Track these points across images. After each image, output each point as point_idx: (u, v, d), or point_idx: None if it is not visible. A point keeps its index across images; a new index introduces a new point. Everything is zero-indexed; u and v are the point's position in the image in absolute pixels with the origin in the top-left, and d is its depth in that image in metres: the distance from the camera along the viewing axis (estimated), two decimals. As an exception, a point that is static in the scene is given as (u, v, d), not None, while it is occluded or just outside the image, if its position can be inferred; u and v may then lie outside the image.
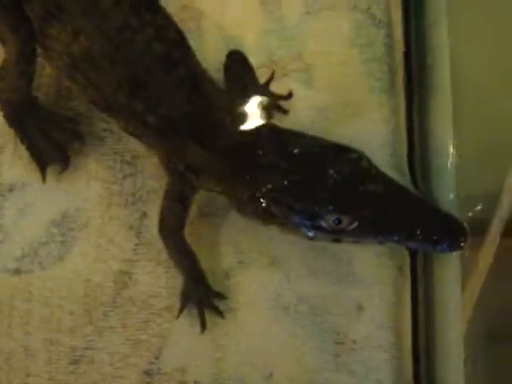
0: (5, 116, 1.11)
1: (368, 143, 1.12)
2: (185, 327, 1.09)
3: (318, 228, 0.90)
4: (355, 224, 0.89)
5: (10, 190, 1.14)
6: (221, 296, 1.08)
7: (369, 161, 0.93)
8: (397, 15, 1.23)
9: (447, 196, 1.09)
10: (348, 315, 1.11)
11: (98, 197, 1.13)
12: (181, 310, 1.08)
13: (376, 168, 0.93)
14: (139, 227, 1.12)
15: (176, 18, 1.04)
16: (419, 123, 1.19)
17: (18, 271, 1.11)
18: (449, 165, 1.09)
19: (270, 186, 0.92)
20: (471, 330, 1.07)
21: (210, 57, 1.12)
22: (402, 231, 0.90)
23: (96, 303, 1.10)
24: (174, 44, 1.01)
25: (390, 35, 1.20)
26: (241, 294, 1.10)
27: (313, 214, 0.90)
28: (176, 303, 1.09)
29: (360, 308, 1.11)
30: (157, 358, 1.08)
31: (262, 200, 0.93)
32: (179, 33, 1.03)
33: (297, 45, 1.20)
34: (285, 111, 1.17)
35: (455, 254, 1.05)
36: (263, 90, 1.16)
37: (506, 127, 1.06)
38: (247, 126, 1.02)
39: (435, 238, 0.90)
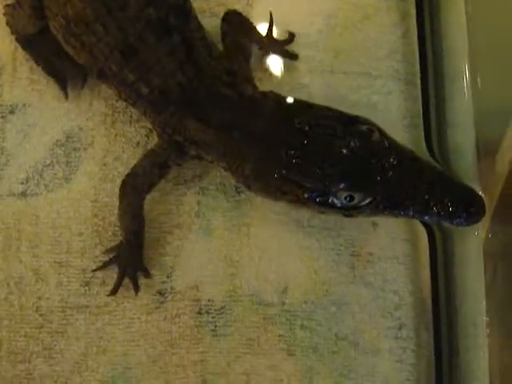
0: (17, 39, 1.11)
1: (378, 50, 1.11)
2: (196, 245, 1.07)
3: (330, 205, 0.88)
4: (368, 200, 0.87)
5: (11, 112, 1.12)
6: (146, 274, 1.04)
7: (381, 131, 0.89)
8: None
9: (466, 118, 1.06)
10: (363, 230, 1.09)
11: (102, 115, 1.11)
12: (103, 267, 1.04)
13: (389, 138, 0.90)
14: (146, 144, 1.09)
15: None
16: (431, 28, 1.14)
17: (23, 194, 1.10)
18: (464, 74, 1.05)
19: (278, 164, 0.88)
20: (490, 239, 1.04)
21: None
22: (416, 206, 0.87)
23: (105, 223, 1.08)
24: (170, 9, 0.97)
25: None
26: (253, 210, 1.08)
27: (324, 192, 0.87)
28: (187, 220, 1.07)
29: (374, 224, 1.09)
30: (169, 276, 1.07)
31: (270, 179, 0.90)
32: None
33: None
34: (293, 56, 1.13)
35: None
36: (269, 44, 1.12)
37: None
38: (252, 98, 0.96)
39: (451, 212, 0.87)
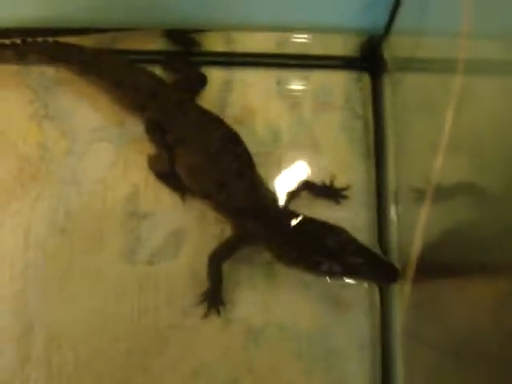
0: (156, 174, 1.86)
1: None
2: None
3: (320, 269, 1.57)
4: (338, 268, 1.56)
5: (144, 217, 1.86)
6: (223, 306, 1.74)
7: (348, 234, 1.60)
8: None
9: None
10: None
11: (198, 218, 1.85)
12: (199, 302, 1.74)
13: (353, 238, 1.59)
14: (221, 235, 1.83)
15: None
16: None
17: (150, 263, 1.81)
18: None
19: (295, 249, 1.61)
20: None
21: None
22: (363, 274, 1.58)
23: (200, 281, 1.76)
24: (244, 163, 1.69)
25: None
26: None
27: (317, 262, 1.57)
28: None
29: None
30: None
31: (290, 257, 1.63)
32: (249, 156, 1.71)
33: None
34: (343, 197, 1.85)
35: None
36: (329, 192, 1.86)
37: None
38: (283, 214, 1.70)
39: (379, 276, 1.59)
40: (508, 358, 1.12)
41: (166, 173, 1.81)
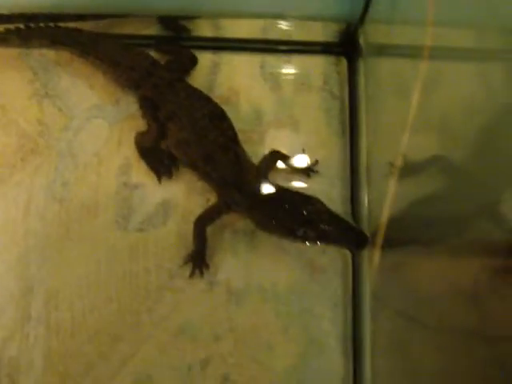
0: (139, 152, 2.00)
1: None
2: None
3: (296, 235, 1.73)
4: (313, 234, 1.71)
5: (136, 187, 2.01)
6: (207, 268, 1.89)
7: (323, 204, 1.76)
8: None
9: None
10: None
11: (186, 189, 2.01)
12: (184, 263, 1.90)
13: (327, 208, 1.74)
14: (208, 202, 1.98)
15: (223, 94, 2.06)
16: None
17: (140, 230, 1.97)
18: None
19: (274, 217, 1.76)
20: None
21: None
22: (335, 240, 1.72)
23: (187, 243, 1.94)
24: (229, 138, 1.86)
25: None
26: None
27: (293, 229, 1.73)
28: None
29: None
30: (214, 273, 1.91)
31: (270, 225, 1.78)
32: (234, 132, 1.88)
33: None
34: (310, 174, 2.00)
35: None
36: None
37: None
38: (263, 185, 1.85)
39: (350, 242, 1.72)
40: (466, 326, 1.26)
41: (150, 149, 1.98)
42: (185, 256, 1.89)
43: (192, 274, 1.88)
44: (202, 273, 1.88)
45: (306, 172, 1.99)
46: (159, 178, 1.97)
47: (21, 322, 1.85)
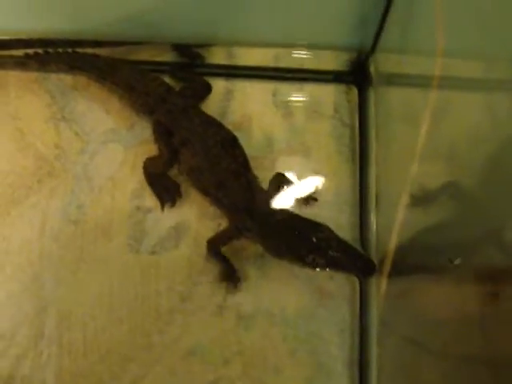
0: (146, 177, 2.05)
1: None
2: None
3: (305, 262, 1.74)
4: (322, 261, 1.72)
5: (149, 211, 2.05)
6: (239, 281, 1.93)
7: (331, 231, 1.76)
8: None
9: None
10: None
11: (197, 214, 2.05)
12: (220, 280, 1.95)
13: (336, 235, 1.74)
14: (219, 227, 2.03)
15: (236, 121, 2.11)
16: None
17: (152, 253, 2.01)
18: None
19: (284, 243, 1.77)
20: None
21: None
22: (343, 267, 1.72)
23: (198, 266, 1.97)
24: (241, 165, 1.88)
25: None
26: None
27: (302, 255, 1.74)
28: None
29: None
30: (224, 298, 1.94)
31: (281, 252, 1.80)
32: (245, 158, 1.90)
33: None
34: (312, 201, 2.05)
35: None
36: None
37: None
38: (274, 211, 1.89)
39: (358, 269, 1.71)
40: (471, 352, 1.27)
41: (157, 175, 2.03)
42: (216, 275, 1.96)
43: (234, 289, 1.94)
44: (236, 286, 1.94)
45: (307, 200, 2.03)
46: (162, 206, 2.01)
47: (34, 340, 1.89)
